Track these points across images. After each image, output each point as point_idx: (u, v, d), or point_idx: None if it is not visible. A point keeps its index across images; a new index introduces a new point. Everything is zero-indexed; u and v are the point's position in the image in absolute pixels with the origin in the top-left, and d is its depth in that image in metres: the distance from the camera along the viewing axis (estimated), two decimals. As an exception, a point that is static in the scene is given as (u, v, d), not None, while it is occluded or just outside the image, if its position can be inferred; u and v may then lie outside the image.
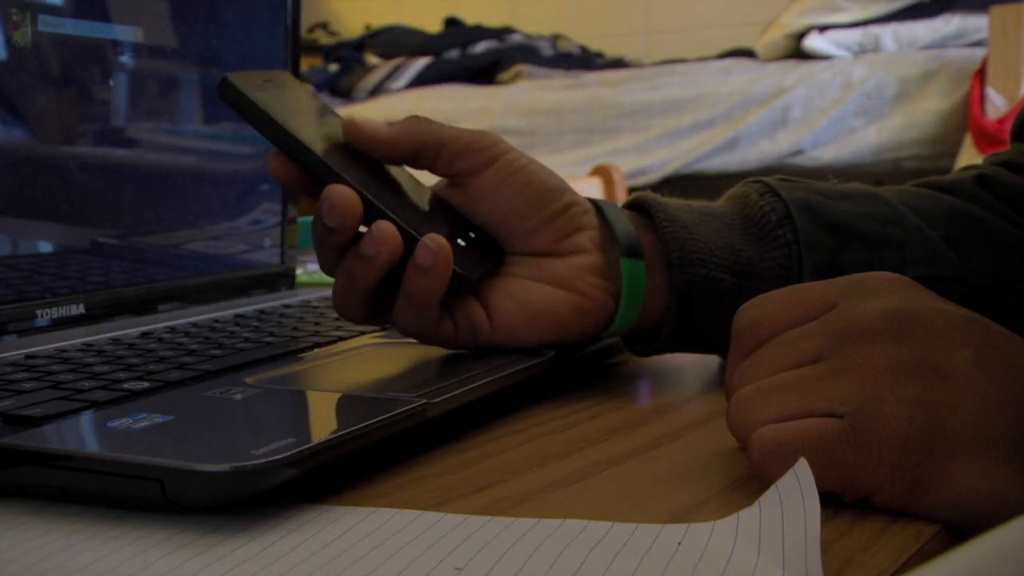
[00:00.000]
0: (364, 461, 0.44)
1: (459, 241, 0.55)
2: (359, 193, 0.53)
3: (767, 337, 0.44)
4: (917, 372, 0.39)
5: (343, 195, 0.52)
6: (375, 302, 0.55)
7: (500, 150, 0.57)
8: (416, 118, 0.57)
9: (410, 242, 0.53)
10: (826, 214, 0.60)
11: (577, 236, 0.57)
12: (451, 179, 0.58)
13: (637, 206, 0.61)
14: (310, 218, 0.55)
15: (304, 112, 0.55)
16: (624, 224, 0.58)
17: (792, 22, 3.02)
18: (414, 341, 0.58)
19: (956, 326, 0.41)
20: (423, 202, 0.57)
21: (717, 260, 0.58)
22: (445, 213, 0.58)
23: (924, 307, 0.42)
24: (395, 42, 3.81)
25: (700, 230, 0.59)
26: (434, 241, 0.53)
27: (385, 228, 0.52)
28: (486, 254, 0.57)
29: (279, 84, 0.55)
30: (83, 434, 0.43)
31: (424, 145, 0.56)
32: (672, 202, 0.60)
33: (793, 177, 0.63)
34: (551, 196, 0.57)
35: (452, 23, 3.99)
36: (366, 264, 0.53)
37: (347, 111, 3.53)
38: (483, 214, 0.58)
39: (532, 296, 0.57)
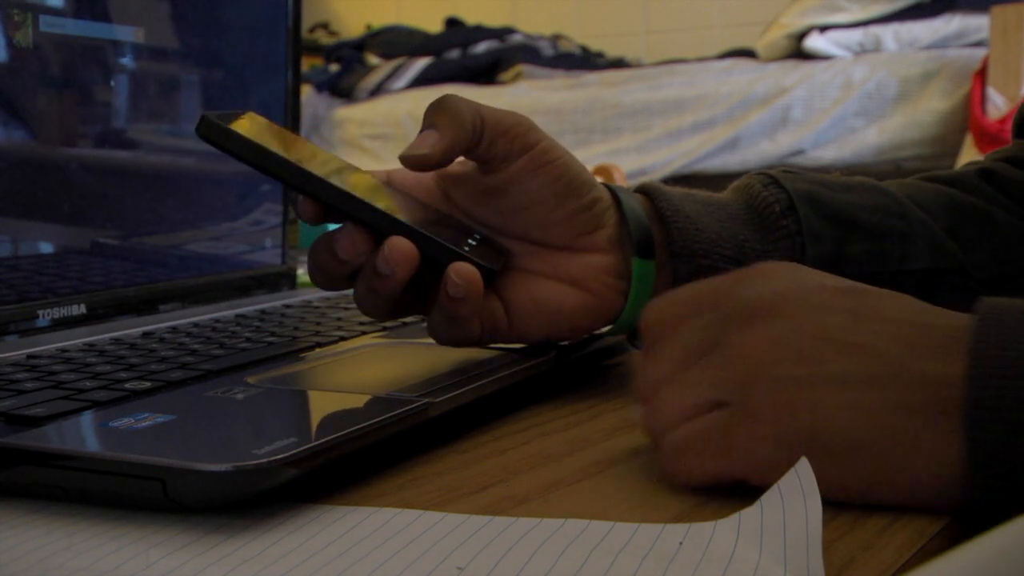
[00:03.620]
0: (365, 461, 0.44)
1: (471, 240, 0.55)
2: (372, 210, 0.51)
3: (663, 334, 0.44)
4: (793, 347, 0.39)
5: (403, 248, 0.51)
6: (398, 303, 0.54)
7: (537, 137, 0.56)
8: (449, 102, 0.54)
9: (427, 248, 0.52)
10: (829, 206, 0.60)
11: (596, 234, 0.57)
12: (482, 162, 0.56)
13: (643, 193, 0.61)
14: None
15: (283, 140, 0.54)
16: (639, 220, 0.58)
17: (793, 22, 3.02)
18: (414, 341, 0.58)
19: (832, 296, 0.41)
20: (411, 202, 0.56)
21: (721, 251, 0.58)
22: (441, 211, 0.57)
23: (804, 285, 0.42)
24: (396, 42, 3.82)
25: (704, 220, 0.59)
26: (459, 274, 0.51)
27: (398, 245, 0.51)
28: (496, 245, 0.57)
29: (250, 119, 0.54)
30: (85, 434, 0.43)
31: (473, 133, 0.54)
32: (677, 192, 0.60)
33: (796, 169, 0.64)
34: (580, 191, 0.57)
35: (453, 23, 4.00)
36: (385, 280, 0.51)
37: (347, 111, 3.51)
38: (511, 200, 0.56)
39: (548, 294, 0.56)
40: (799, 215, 0.59)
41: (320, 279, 0.54)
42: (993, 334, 0.37)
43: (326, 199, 0.51)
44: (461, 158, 0.56)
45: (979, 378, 0.36)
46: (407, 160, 0.53)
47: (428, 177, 0.58)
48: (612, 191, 0.59)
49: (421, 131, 0.54)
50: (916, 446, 0.38)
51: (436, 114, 0.54)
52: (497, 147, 0.55)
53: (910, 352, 0.38)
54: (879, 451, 0.38)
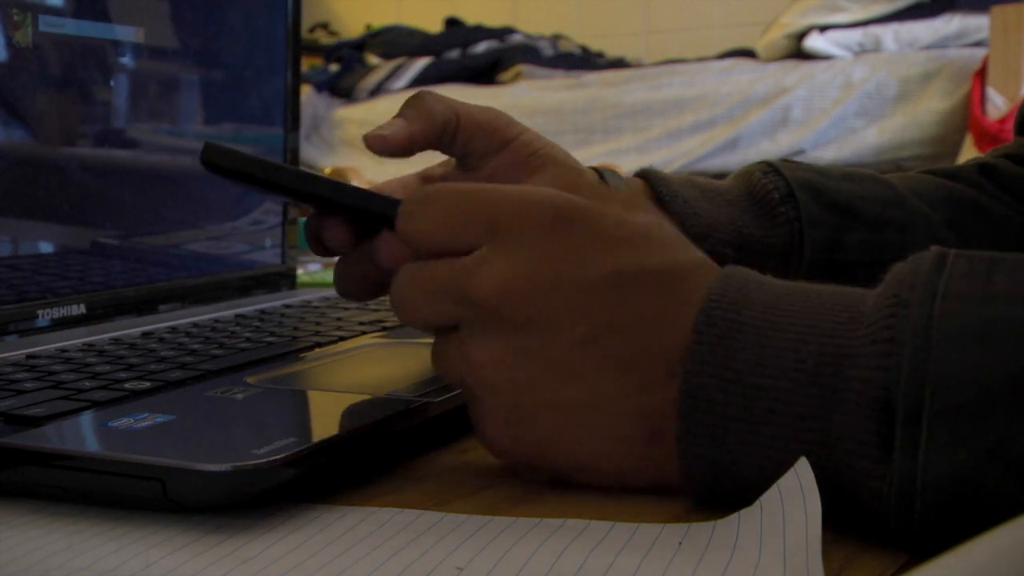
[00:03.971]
0: (365, 461, 0.44)
1: None
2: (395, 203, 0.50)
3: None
4: (522, 370, 0.40)
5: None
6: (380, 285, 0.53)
7: (516, 130, 0.56)
8: (424, 98, 0.55)
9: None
10: (829, 194, 0.60)
11: None
12: (460, 159, 0.57)
13: (642, 178, 0.61)
14: None
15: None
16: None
17: (793, 22, 3.02)
18: (414, 341, 0.58)
19: (582, 303, 0.40)
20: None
21: (718, 235, 0.58)
22: None
23: (570, 279, 0.40)
24: (396, 42, 3.81)
25: (703, 205, 0.59)
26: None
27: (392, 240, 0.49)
28: None
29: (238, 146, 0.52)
30: (84, 434, 0.43)
31: (443, 128, 0.55)
32: (676, 177, 0.61)
33: (797, 160, 0.64)
34: (568, 181, 0.56)
35: (453, 23, 4.00)
36: (381, 270, 0.51)
37: (348, 111, 3.51)
38: None
39: None
40: (798, 202, 0.60)
41: (356, 290, 0.52)
42: (706, 353, 0.38)
43: (342, 199, 0.49)
44: (447, 159, 0.56)
45: (687, 412, 0.38)
46: (367, 138, 0.54)
47: (412, 180, 0.58)
48: (601, 175, 0.59)
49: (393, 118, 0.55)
50: (637, 468, 0.40)
51: (407, 107, 0.55)
52: (475, 143, 0.55)
53: (624, 386, 0.39)
54: (604, 473, 0.40)
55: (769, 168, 0.62)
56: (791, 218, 0.60)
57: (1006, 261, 0.36)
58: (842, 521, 0.37)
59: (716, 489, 0.38)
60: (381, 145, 0.54)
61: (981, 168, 0.67)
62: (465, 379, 0.41)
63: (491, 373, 0.40)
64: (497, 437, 0.41)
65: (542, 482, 0.42)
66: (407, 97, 0.55)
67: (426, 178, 0.58)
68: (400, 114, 0.55)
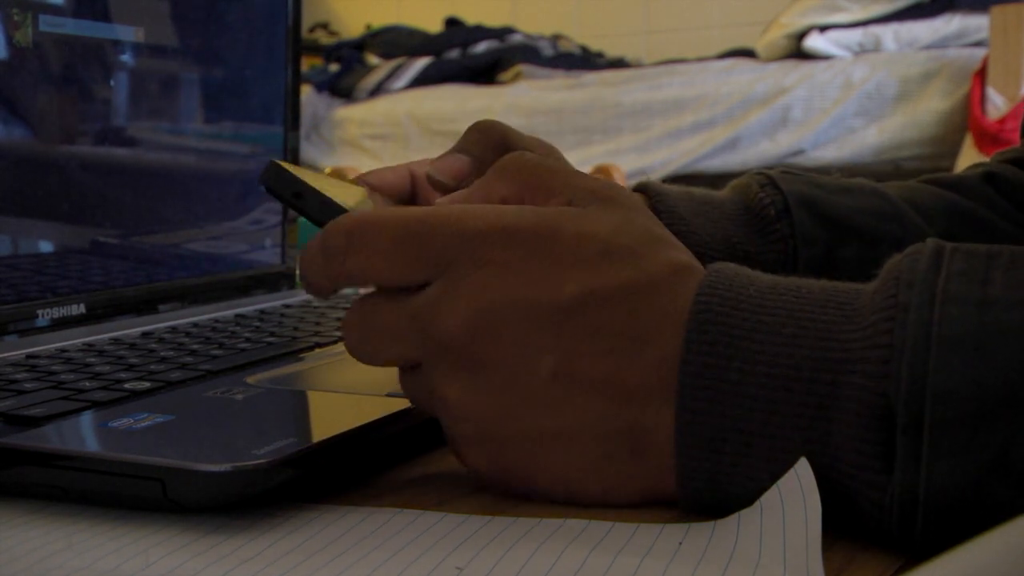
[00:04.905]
0: (365, 461, 0.44)
1: None
2: None
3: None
4: (498, 403, 0.39)
5: None
6: None
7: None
8: (491, 132, 0.52)
9: None
10: (825, 208, 0.60)
11: None
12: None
13: (640, 191, 0.61)
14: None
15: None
16: None
17: (793, 22, 3.02)
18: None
19: (548, 332, 0.39)
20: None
21: (712, 254, 0.58)
22: None
23: (535, 302, 0.39)
24: (395, 42, 3.82)
25: (698, 221, 0.59)
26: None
27: None
28: None
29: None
30: (84, 434, 0.43)
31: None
32: (674, 191, 0.60)
33: (796, 170, 0.64)
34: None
35: (453, 23, 4.00)
36: None
37: (348, 111, 3.51)
38: None
39: None
40: (793, 218, 0.59)
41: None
42: (699, 364, 0.37)
43: None
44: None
45: (683, 426, 0.37)
46: (430, 178, 0.51)
47: (403, 172, 0.56)
48: None
49: (453, 149, 0.52)
50: (622, 484, 0.39)
51: (472, 142, 0.52)
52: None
53: (602, 409, 0.38)
54: (590, 492, 0.39)
55: (767, 181, 0.61)
56: (785, 235, 0.59)
57: (1002, 256, 0.36)
58: (842, 524, 0.37)
59: (714, 502, 0.38)
60: (440, 189, 0.51)
61: (986, 177, 0.67)
62: (435, 411, 0.41)
63: (460, 409, 0.39)
64: (474, 462, 0.41)
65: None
66: (472, 126, 0.53)
67: (415, 175, 0.56)
68: (465, 148, 0.52)
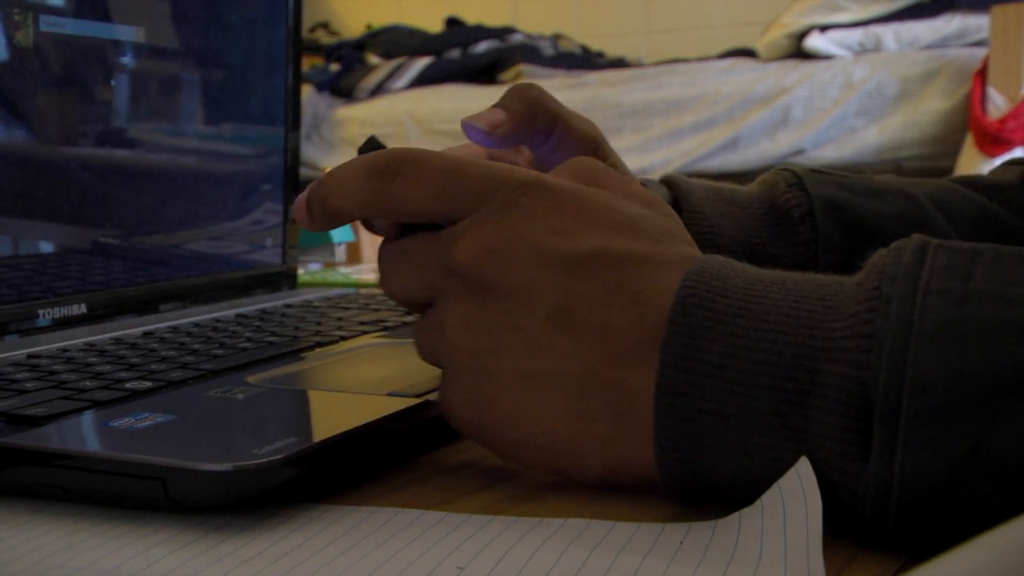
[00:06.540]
0: (365, 461, 0.44)
1: None
2: None
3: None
4: (487, 336, 0.40)
5: None
6: None
7: (604, 152, 0.55)
8: (528, 93, 0.54)
9: None
10: (850, 213, 0.60)
11: None
12: (539, 159, 0.56)
13: (667, 185, 0.61)
14: None
15: None
16: None
17: (793, 22, 3.02)
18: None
19: (549, 278, 0.40)
20: None
21: (732, 254, 0.58)
22: None
23: (537, 252, 0.40)
24: (396, 42, 3.81)
25: (722, 222, 0.59)
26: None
27: None
28: None
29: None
30: (85, 434, 0.43)
31: (539, 129, 0.54)
32: (700, 187, 0.60)
33: (825, 169, 0.63)
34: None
35: (453, 23, 3.99)
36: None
37: (348, 111, 3.50)
38: None
39: None
40: (817, 223, 0.59)
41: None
42: (680, 345, 0.37)
43: None
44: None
45: (662, 407, 0.37)
46: (464, 123, 0.53)
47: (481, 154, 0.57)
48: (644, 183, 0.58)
49: (493, 106, 0.54)
50: (595, 448, 0.39)
51: (512, 98, 0.54)
52: (564, 152, 0.54)
53: (594, 359, 0.39)
54: (563, 450, 0.40)
55: (795, 180, 0.61)
56: (808, 239, 0.59)
57: (986, 253, 0.36)
58: (843, 524, 0.37)
59: (691, 483, 0.38)
60: (478, 136, 0.53)
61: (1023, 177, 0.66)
62: (436, 348, 0.42)
63: (457, 336, 0.40)
64: (456, 405, 0.41)
65: (541, 481, 0.42)
66: (511, 87, 0.54)
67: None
68: (503, 104, 0.54)
